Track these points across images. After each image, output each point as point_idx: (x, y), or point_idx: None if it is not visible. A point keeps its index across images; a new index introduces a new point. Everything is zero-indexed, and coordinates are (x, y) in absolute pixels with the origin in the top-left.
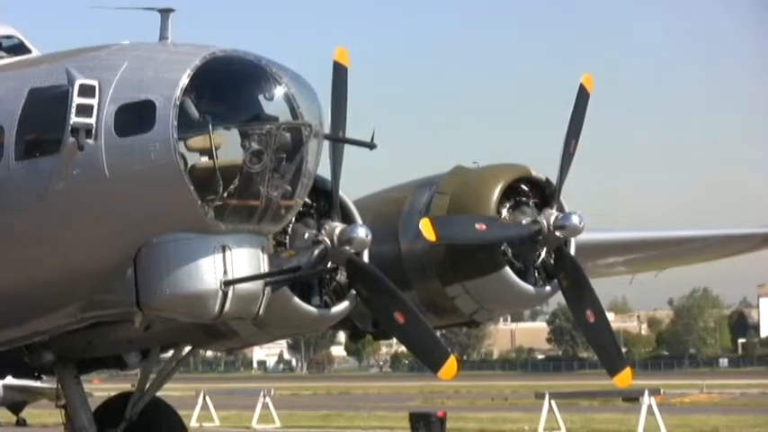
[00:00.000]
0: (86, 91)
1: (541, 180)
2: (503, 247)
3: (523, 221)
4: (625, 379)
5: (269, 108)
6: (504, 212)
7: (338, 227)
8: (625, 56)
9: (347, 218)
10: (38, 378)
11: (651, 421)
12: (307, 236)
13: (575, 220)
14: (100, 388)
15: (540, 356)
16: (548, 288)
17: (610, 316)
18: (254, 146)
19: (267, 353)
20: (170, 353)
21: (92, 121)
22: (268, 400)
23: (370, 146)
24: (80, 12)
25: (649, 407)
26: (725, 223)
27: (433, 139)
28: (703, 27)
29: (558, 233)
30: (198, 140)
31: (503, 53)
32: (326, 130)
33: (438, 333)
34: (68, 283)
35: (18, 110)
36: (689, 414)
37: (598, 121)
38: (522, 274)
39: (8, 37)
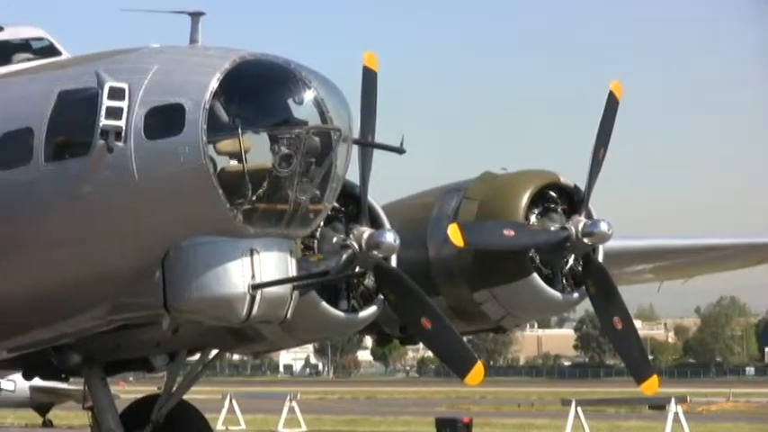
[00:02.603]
0: (116, 94)
1: (570, 187)
2: (531, 254)
3: (552, 228)
4: (652, 386)
5: (298, 112)
6: (533, 219)
7: (366, 231)
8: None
9: (375, 223)
10: (65, 380)
11: (677, 429)
12: (335, 240)
13: (603, 227)
14: (126, 390)
15: (567, 363)
16: (575, 295)
17: (637, 323)
18: (284, 150)
19: (294, 357)
20: (197, 356)
21: (121, 123)
22: (294, 403)
23: (400, 151)
24: (111, 14)
25: (675, 415)
26: (749, 232)
27: (461, 144)
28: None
29: (586, 240)
30: (227, 144)
31: (533, 57)
32: (356, 134)
33: (465, 339)
34: (96, 285)
35: (48, 112)
36: (715, 422)
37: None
38: (549, 281)
39: (38, 39)
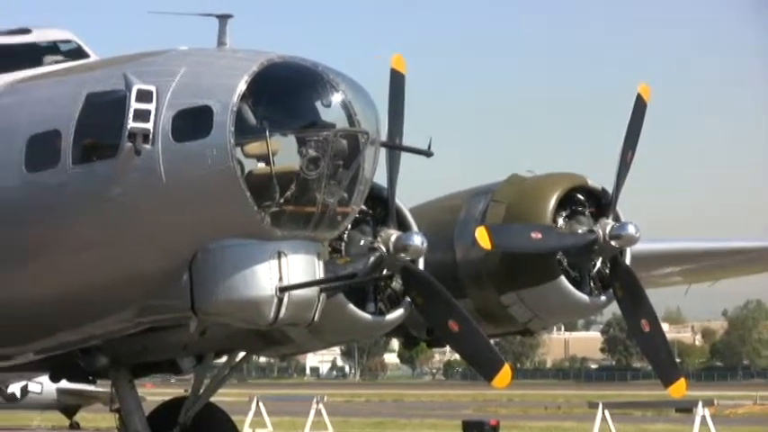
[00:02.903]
0: (144, 96)
1: (597, 190)
2: (558, 257)
3: (579, 231)
4: (679, 389)
5: (326, 115)
6: (560, 221)
7: (394, 234)
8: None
9: (403, 225)
10: (92, 382)
11: None
12: (362, 243)
13: (630, 229)
14: (153, 392)
15: (594, 366)
16: (603, 298)
17: (664, 326)
18: (311, 152)
19: (320, 359)
20: (224, 358)
21: (149, 126)
22: (321, 406)
23: (427, 154)
24: (138, 17)
25: (703, 418)
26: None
27: (489, 147)
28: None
29: (613, 243)
30: (255, 146)
31: (561, 60)
32: (383, 137)
33: (492, 341)
34: (124, 287)
35: (75, 114)
36: (742, 425)
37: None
38: (577, 284)
39: (66, 41)
